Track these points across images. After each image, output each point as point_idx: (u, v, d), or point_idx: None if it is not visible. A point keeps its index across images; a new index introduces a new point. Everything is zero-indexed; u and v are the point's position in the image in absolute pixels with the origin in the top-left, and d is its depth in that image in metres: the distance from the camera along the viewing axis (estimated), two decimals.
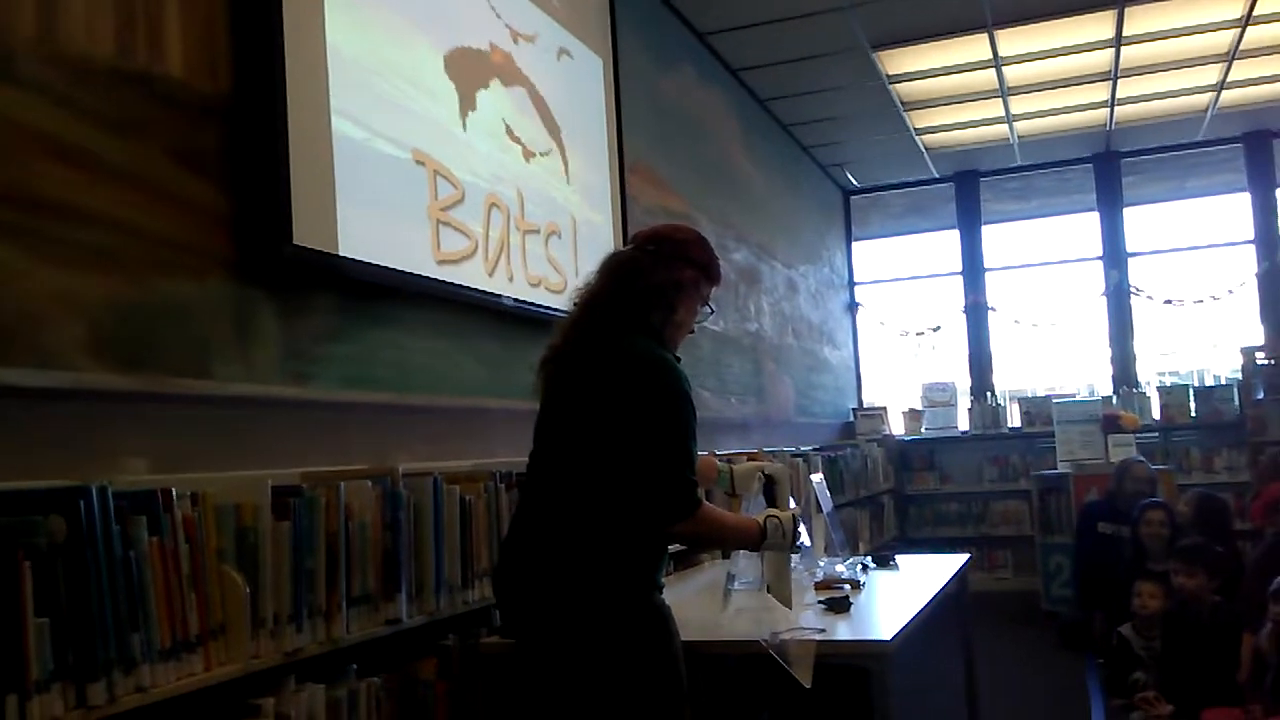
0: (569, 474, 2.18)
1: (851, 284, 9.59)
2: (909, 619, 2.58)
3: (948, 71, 6.73)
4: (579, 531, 2.14)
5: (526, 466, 2.32)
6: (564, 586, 2.12)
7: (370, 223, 2.84)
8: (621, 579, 2.14)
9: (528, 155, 3.71)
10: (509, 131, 3.60)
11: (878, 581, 3.33)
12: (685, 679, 2.17)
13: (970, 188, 9.23)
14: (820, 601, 2.82)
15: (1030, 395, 8.82)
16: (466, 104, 3.32)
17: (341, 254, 2.71)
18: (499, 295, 3.45)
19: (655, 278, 2.28)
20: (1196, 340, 8.94)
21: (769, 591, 2.60)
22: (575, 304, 2.34)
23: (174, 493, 1.79)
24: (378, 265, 2.85)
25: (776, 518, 2.43)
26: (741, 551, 2.78)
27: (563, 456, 2.21)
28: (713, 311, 2.47)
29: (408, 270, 2.99)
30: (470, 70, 3.37)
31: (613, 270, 2.33)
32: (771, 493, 2.66)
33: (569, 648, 2.12)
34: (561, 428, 2.23)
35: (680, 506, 2.16)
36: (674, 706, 2.13)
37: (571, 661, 2.12)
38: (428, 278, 3.09)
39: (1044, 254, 9.17)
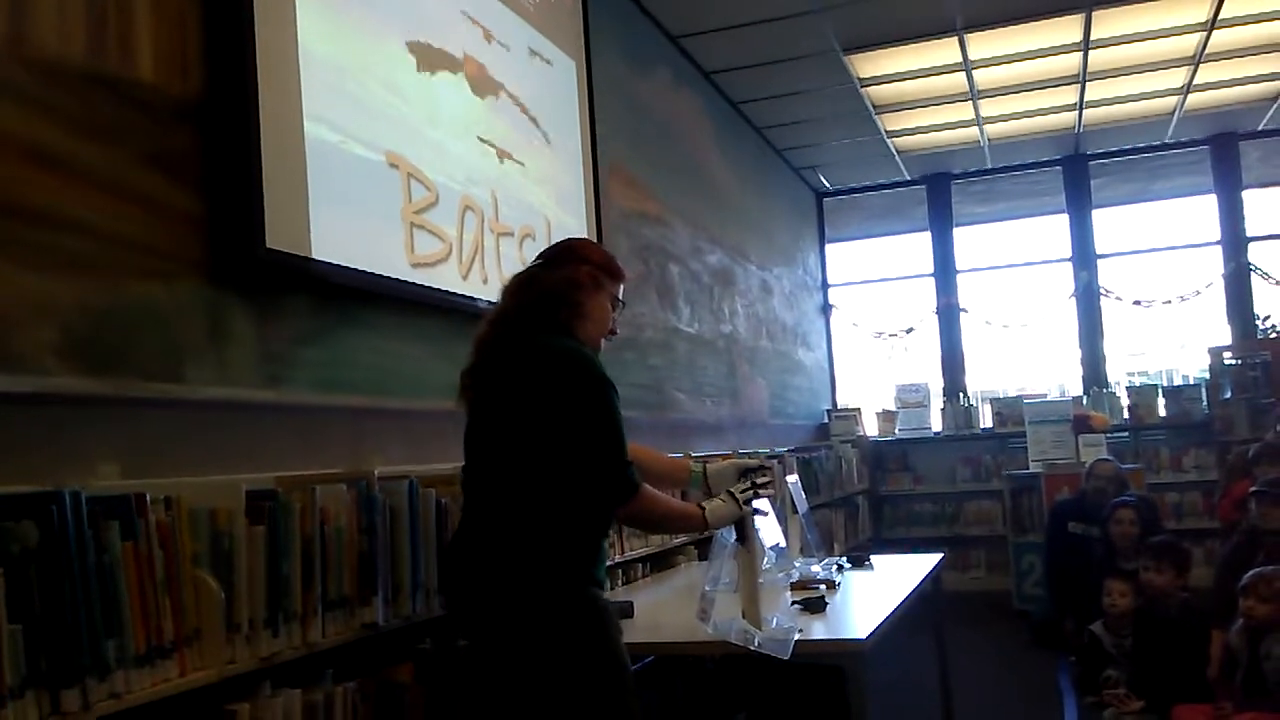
0: (500, 475, 2.23)
1: (825, 286, 9.63)
2: (884, 618, 2.60)
3: (918, 75, 6.78)
4: (514, 530, 2.18)
5: (462, 474, 2.35)
6: (501, 584, 2.16)
7: (344, 226, 2.83)
8: (557, 575, 2.17)
9: (501, 158, 3.71)
10: (482, 134, 3.60)
11: (853, 581, 3.35)
12: (629, 671, 2.20)
13: (941, 190, 9.30)
14: (796, 602, 2.83)
15: (1002, 396, 8.90)
16: (424, 71, 3.31)
17: (315, 257, 2.70)
18: (473, 298, 3.44)
19: (550, 281, 2.35)
20: (1165, 340, 9.04)
21: (742, 616, 2.58)
22: (483, 324, 2.39)
23: (148, 497, 1.78)
24: (352, 268, 2.84)
25: (717, 499, 2.48)
26: (722, 555, 2.78)
27: (493, 458, 2.25)
28: (624, 305, 2.52)
29: (382, 273, 2.98)
30: (440, 64, 3.37)
31: (514, 289, 2.40)
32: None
33: (509, 645, 2.15)
34: (489, 430, 2.28)
35: (620, 490, 2.22)
36: (618, 699, 2.15)
37: (513, 658, 2.15)
38: (402, 281, 3.08)
39: (1014, 256, 9.25)
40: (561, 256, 2.43)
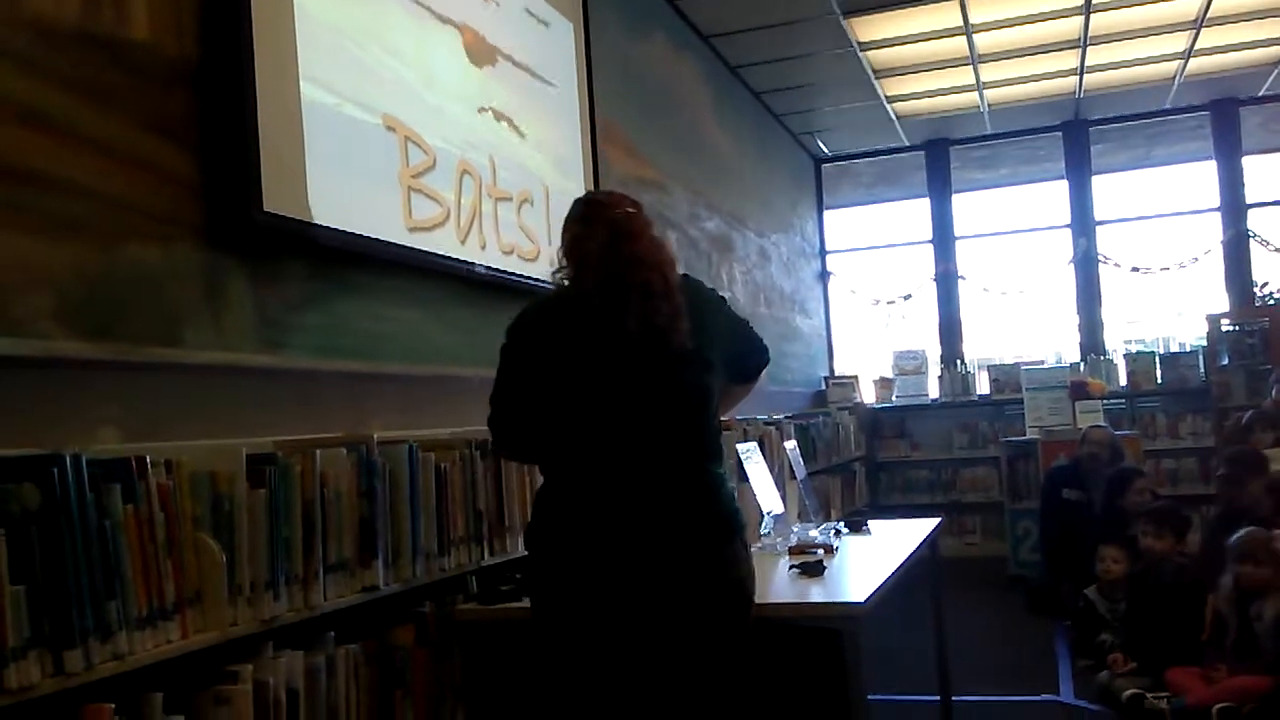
0: (694, 417, 2.25)
1: (823, 252, 9.61)
2: (881, 582, 2.61)
3: (918, 39, 6.73)
4: (711, 473, 2.24)
5: (589, 429, 2.24)
6: (709, 527, 2.20)
7: (341, 189, 2.81)
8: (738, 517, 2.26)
9: (499, 121, 3.69)
10: (479, 97, 3.57)
11: (850, 546, 3.36)
12: None
13: (940, 156, 9.26)
14: (794, 566, 2.85)
15: (999, 363, 8.89)
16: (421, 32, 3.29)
17: (313, 221, 2.68)
18: (471, 263, 3.43)
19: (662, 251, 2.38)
20: (1163, 307, 9.04)
21: None
22: (653, 271, 2.31)
23: (148, 460, 1.78)
24: (349, 232, 2.83)
25: None
26: None
27: (686, 401, 2.24)
28: None
29: (379, 238, 2.97)
30: (437, 26, 3.34)
31: (645, 237, 2.39)
32: None
33: (695, 585, 2.15)
34: (685, 372, 2.23)
35: (764, 354, 2.50)
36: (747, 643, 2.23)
37: (697, 600, 2.15)
38: (399, 245, 3.07)
39: (1013, 222, 9.23)
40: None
